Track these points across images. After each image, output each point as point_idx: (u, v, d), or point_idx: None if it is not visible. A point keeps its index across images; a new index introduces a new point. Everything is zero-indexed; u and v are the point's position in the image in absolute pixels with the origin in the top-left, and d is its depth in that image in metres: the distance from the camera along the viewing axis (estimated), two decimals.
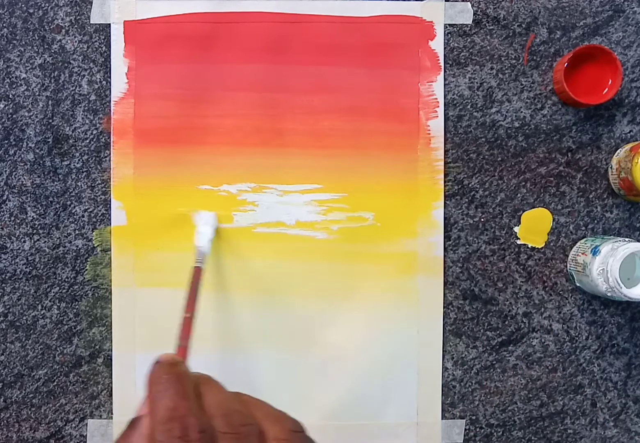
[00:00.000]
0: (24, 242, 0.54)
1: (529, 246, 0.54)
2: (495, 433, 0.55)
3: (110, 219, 0.54)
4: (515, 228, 0.54)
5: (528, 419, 0.55)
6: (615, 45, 0.54)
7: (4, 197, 0.54)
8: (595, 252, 0.49)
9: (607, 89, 0.53)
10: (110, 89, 0.54)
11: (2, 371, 0.55)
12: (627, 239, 0.49)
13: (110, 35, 0.54)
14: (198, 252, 0.48)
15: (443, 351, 0.54)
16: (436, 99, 0.54)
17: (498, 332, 0.55)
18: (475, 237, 0.54)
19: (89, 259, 0.54)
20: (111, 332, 0.54)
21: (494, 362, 0.55)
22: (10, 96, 0.54)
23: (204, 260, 0.47)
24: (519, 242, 0.54)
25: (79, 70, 0.54)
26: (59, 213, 0.54)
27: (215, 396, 0.28)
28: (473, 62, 0.54)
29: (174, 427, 0.25)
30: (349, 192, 0.54)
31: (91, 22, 0.54)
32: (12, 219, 0.54)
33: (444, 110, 0.54)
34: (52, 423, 0.55)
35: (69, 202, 0.54)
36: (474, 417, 0.54)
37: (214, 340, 0.54)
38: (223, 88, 0.54)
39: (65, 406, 0.55)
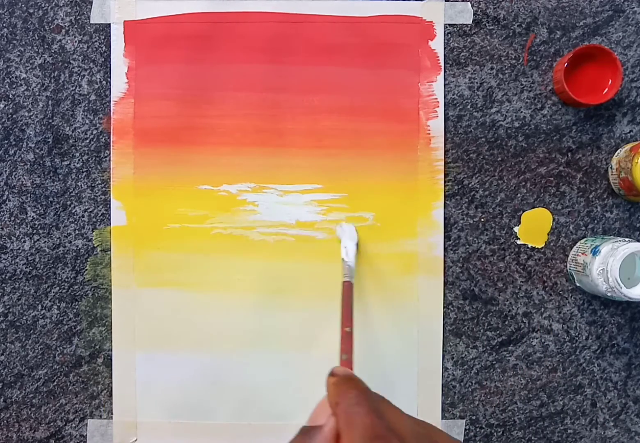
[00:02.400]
0: (24, 242, 0.54)
1: (529, 246, 0.54)
2: (495, 433, 0.55)
3: (110, 219, 0.54)
4: (515, 229, 0.54)
5: (528, 419, 0.55)
6: (615, 45, 0.54)
7: (4, 197, 0.54)
8: (595, 252, 0.49)
9: (607, 89, 0.53)
10: (110, 89, 0.54)
11: (2, 371, 0.55)
12: (627, 239, 0.49)
13: (110, 35, 0.54)
14: (346, 267, 0.48)
15: (443, 351, 0.54)
16: (436, 99, 0.54)
17: (498, 332, 0.55)
18: (475, 237, 0.54)
19: (89, 259, 0.54)
20: (111, 332, 0.54)
21: (494, 362, 0.55)
22: (10, 96, 0.54)
23: (352, 275, 0.46)
24: (519, 242, 0.54)
25: (79, 70, 0.54)
26: (59, 213, 0.54)
27: (398, 417, 0.28)
28: (473, 62, 0.54)
29: None
30: (349, 192, 0.54)
31: (91, 22, 0.54)
32: (12, 219, 0.54)
33: (444, 110, 0.54)
34: (52, 423, 0.55)
35: (69, 202, 0.54)
36: (474, 417, 0.54)
37: (214, 340, 0.54)
38: (223, 88, 0.54)
39: (65, 406, 0.55)
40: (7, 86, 0.54)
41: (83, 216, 0.54)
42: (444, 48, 0.54)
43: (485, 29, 0.54)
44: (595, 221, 0.54)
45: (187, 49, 0.54)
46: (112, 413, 0.54)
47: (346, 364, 0.36)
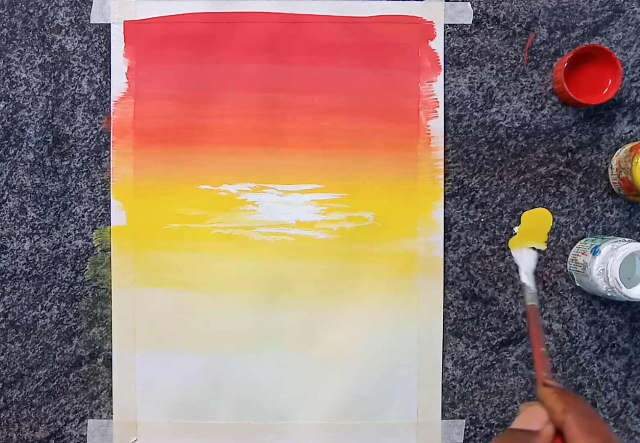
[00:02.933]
0: (24, 242, 0.54)
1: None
2: (495, 434, 0.55)
3: (110, 219, 0.54)
4: (515, 229, 0.54)
5: None
6: (615, 45, 0.54)
7: (4, 197, 0.54)
8: (595, 252, 0.49)
9: (607, 89, 0.53)
10: (110, 89, 0.54)
11: (2, 371, 0.55)
12: (627, 239, 0.49)
13: (110, 35, 0.54)
14: (528, 292, 0.48)
15: (443, 351, 0.54)
16: (436, 99, 0.54)
17: (498, 332, 0.55)
18: (475, 237, 0.54)
19: (89, 259, 0.54)
20: (111, 332, 0.54)
21: (494, 362, 0.55)
22: (10, 96, 0.54)
23: (535, 299, 0.47)
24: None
25: (79, 70, 0.54)
26: (59, 213, 0.54)
27: (608, 430, 0.31)
28: (473, 62, 0.54)
29: None
30: (349, 192, 0.54)
31: (91, 22, 0.54)
32: (12, 219, 0.54)
33: (444, 110, 0.54)
34: (52, 423, 0.55)
35: (69, 202, 0.54)
36: (474, 417, 0.54)
37: (214, 340, 0.54)
38: (223, 88, 0.54)
39: (65, 406, 0.55)
40: (7, 86, 0.54)
41: (83, 216, 0.54)
42: (444, 48, 0.54)
43: (485, 29, 0.54)
44: (595, 221, 0.54)
45: (187, 49, 0.54)
46: (112, 413, 0.54)
47: (549, 381, 0.38)
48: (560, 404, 0.31)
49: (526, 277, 0.48)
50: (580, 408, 0.31)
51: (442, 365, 0.54)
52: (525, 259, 0.51)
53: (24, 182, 0.54)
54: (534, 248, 0.54)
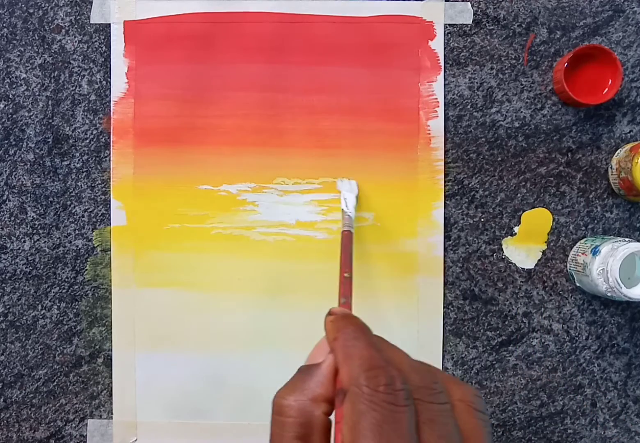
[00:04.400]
0: (24, 242, 0.54)
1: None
2: (495, 433, 0.55)
3: (110, 219, 0.54)
4: (515, 229, 0.54)
5: (528, 419, 0.55)
6: (615, 45, 0.54)
7: (4, 197, 0.54)
8: (595, 252, 0.49)
9: (607, 89, 0.53)
10: (110, 89, 0.54)
11: (2, 371, 0.55)
12: (627, 239, 0.49)
13: (110, 35, 0.54)
14: (346, 217, 0.49)
15: (443, 351, 0.54)
16: (436, 99, 0.54)
17: (498, 332, 0.55)
18: (475, 237, 0.54)
19: (89, 259, 0.54)
20: (111, 332, 0.54)
21: (494, 362, 0.55)
22: (10, 96, 0.54)
23: (352, 225, 0.47)
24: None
25: (79, 70, 0.54)
26: (59, 213, 0.54)
27: (397, 353, 0.28)
28: (473, 62, 0.54)
29: (379, 375, 0.24)
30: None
31: (91, 22, 0.54)
32: (12, 219, 0.54)
33: (444, 110, 0.54)
34: (52, 423, 0.55)
35: (69, 202, 0.54)
36: None
37: (214, 340, 0.54)
38: (223, 88, 0.54)
39: (65, 406, 0.55)
40: (7, 86, 0.54)
41: (83, 216, 0.54)
42: (444, 48, 0.54)
43: (485, 29, 0.54)
44: (595, 221, 0.54)
45: (187, 49, 0.54)
46: (112, 413, 0.54)
47: (346, 307, 0.36)
48: (332, 332, 0.29)
49: (345, 203, 0.49)
50: (348, 334, 0.28)
51: (442, 365, 0.54)
52: (346, 186, 0.52)
53: (24, 182, 0.54)
54: (343, 179, 0.54)
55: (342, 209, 0.51)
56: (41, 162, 0.54)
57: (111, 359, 0.54)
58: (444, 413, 0.25)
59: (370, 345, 0.27)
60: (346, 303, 0.37)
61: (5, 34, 0.54)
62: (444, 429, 0.24)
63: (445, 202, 0.54)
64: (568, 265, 0.54)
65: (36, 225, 0.54)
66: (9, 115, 0.54)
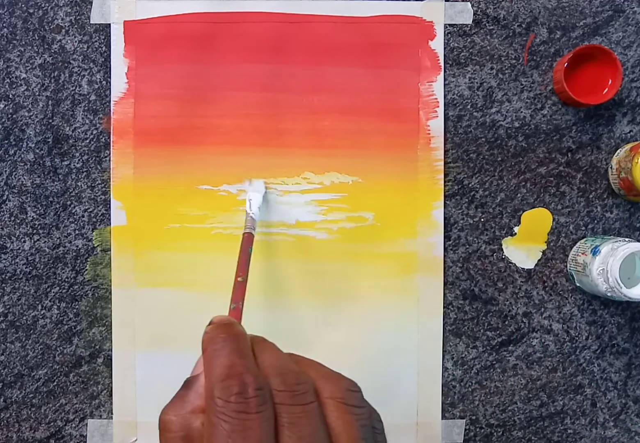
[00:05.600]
0: (24, 242, 0.54)
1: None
2: (495, 433, 0.55)
3: (110, 219, 0.54)
4: (515, 229, 0.54)
5: (528, 419, 0.55)
6: (615, 45, 0.54)
7: (4, 197, 0.54)
8: (595, 252, 0.49)
9: (607, 89, 0.53)
10: (110, 89, 0.54)
11: (2, 371, 0.55)
12: (627, 239, 0.49)
13: (110, 35, 0.54)
14: (248, 219, 0.48)
15: (443, 351, 0.54)
16: (436, 99, 0.54)
17: (498, 332, 0.55)
18: (475, 237, 0.54)
19: (89, 259, 0.54)
20: (111, 332, 0.54)
21: (494, 362, 0.55)
22: (10, 96, 0.54)
23: (254, 227, 0.47)
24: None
25: (79, 70, 0.54)
26: (59, 213, 0.54)
27: (270, 356, 0.28)
28: (473, 62, 0.54)
29: (232, 384, 0.25)
30: (349, 192, 0.54)
31: (91, 22, 0.54)
32: (12, 219, 0.54)
33: (444, 110, 0.54)
34: (52, 423, 0.55)
35: (69, 202, 0.54)
36: (474, 417, 0.54)
37: None
38: (223, 88, 0.54)
39: (65, 406, 0.55)
40: (7, 86, 0.54)
41: (83, 216, 0.54)
42: (444, 48, 0.54)
43: (485, 29, 0.54)
44: (595, 221, 0.54)
45: (187, 49, 0.54)
46: (112, 413, 0.54)
47: (234, 313, 0.36)
48: (204, 343, 0.29)
49: (249, 204, 0.50)
50: (216, 344, 0.28)
51: (442, 365, 0.54)
52: (253, 186, 0.52)
53: (24, 182, 0.54)
54: (252, 180, 0.53)
55: (246, 211, 0.50)
56: (41, 162, 0.54)
57: (111, 359, 0.54)
58: (307, 413, 0.25)
59: (233, 353, 0.27)
60: (236, 309, 0.36)
61: (5, 34, 0.54)
62: (306, 430, 0.24)
63: (445, 202, 0.54)
64: (568, 265, 0.54)
65: (36, 225, 0.54)
66: (9, 115, 0.54)
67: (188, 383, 0.28)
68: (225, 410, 0.24)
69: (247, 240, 0.45)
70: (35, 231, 0.54)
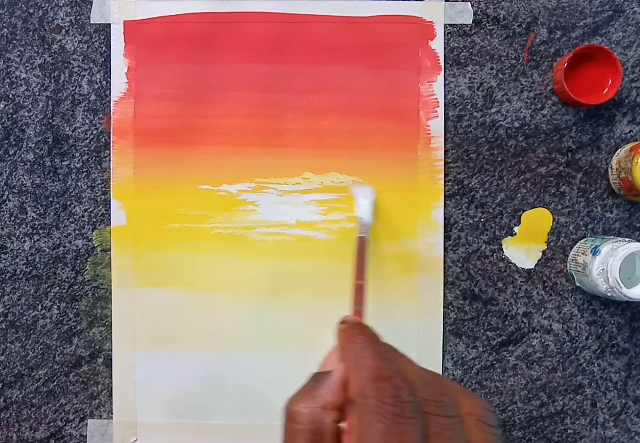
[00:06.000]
0: (24, 242, 0.54)
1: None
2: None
3: (110, 219, 0.54)
4: (515, 229, 0.54)
5: (528, 419, 0.55)
6: (615, 45, 0.54)
7: (4, 197, 0.54)
8: (595, 252, 0.49)
9: (607, 89, 0.53)
10: (110, 89, 0.54)
11: (2, 371, 0.55)
12: (627, 239, 0.49)
13: (110, 35, 0.54)
14: (361, 223, 0.48)
15: (443, 351, 0.54)
16: (436, 99, 0.54)
17: (498, 332, 0.55)
18: (475, 237, 0.54)
19: (89, 259, 0.54)
20: (111, 332, 0.54)
21: (494, 362, 0.55)
22: (10, 96, 0.54)
23: (367, 231, 0.47)
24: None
25: (79, 70, 0.54)
26: (59, 213, 0.54)
27: (407, 364, 0.28)
28: (473, 62, 0.54)
29: (385, 387, 0.24)
30: (349, 192, 0.54)
31: (91, 22, 0.54)
32: (12, 219, 0.54)
33: (444, 110, 0.54)
34: (52, 423, 0.55)
35: (69, 202, 0.54)
36: None
37: (214, 340, 0.54)
38: (223, 88, 0.54)
39: (65, 406, 0.55)
40: (7, 86, 0.54)
41: (83, 216, 0.54)
42: (444, 48, 0.54)
43: (485, 29, 0.54)
44: (595, 221, 0.54)
45: (187, 49, 0.54)
46: (112, 413, 0.54)
47: (358, 315, 0.37)
48: (343, 341, 0.29)
49: (361, 209, 0.49)
50: (358, 344, 0.28)
51: (442, 365, 0.54)
52: (362, 192, 0.51)
53: (24, 182, 0.54)
54: (359, 185, 0.53)
55: (358, 216, 0.50)
56: (41, 162, 0.54)
57: (111, 359, 0.54)
58: (453, 426, 0.25)
59: (379, 355, 0.27)
60: (359, 311, 0.37)
61: (5, 34, 0.54)
62: (452, 442, 0.24)
63: (445, 202, 0.54)
64: (568, 265, 0.54)
65: (36, 225, 0.54)
66: (9, 115, 0.54)
67: (317, 377, 0.28)
68: (380, 411, 0.24)
69: (362, 244, 0.45)
70: (35, 231, 0.54)
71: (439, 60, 0.54)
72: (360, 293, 0.39)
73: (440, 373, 0.54)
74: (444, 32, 0.54)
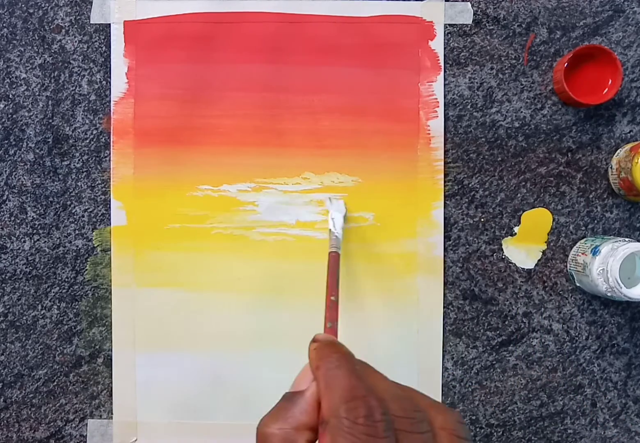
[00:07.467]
0: (24, 242, 0.54)
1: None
2: (495, 433, 0.55)
3: (110, 219, 0.54)
4: (515, 229, 0.54)
5: (528, 419, 0.55)
6: (615, 45, 0.54)
7: (4, 197, 0.54)
8: (595, 252, 0.49)
9: (607, 89, 0.53)
10: (110, 89, 0.54)
11: (2, 371, 0.55)
12: (627, 239, 0.49)
13: (110, 35, 0.54)
14: (333, 238, 0.48)
15: (443, 351, 0.54)
16: (436, 99, 0.54)
17: (498, 332, 0.55)
18: (475, 237, 0.54)
19: (89, 259, 0.54)
20: (111, 332, 0.54)
21: (494, 362, 0.55)
22: (10, 96, 0.54)
23: (338, 246, 0.47)
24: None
25: (79, 70, 0.54)
26: (59, 213, 0.54)
27: (380, 380, 0.28)
28: (473, 62, 0.54)
29: (358, 406, 0.25)
30: (349, 192, 0.54)
31: (91, 22, 0.54)
32: (12, 219, 0.54)
33: (444, 110, 0.54)
34: (52, 423, 0.55)
35: (69, 202, 0.54)
36: (474, 417, 0.54)
37: (214, 340, 0.54)
38: (223, 88, 0.54)
39: (65, 406, 0.55)
40: (7, 86, 0.54)
41: (83, 216, 0.54)
42: (444, 48, 0.54)
43: (485, 29, 0.54)
44: (595, 221, 0.54)
45: (187, 49, 0.54)
46: (112, 413, 0.54)
47: (331, 332, 0.36)
48: (315, 360, 0.29)
49: (332, 223, 0.49)
50: (331, 363, 0.28)
51: (442, 365, 0.54)
52: (334, 205, 0.52)
53: (24, 182, 0.54)
54: (332, 198, 0.53)
55: (330, 229, 0.50)
56: (41, 162, 0.54)
57: (111, 359, 0.54)
58: (425, 442, 0.25)
59: (352, 374, 0.27)
60: (332, 328, 0.36)
61: (5, 34, 0.54)
62: None
63: (445, 202, 0.54)
64: (568, 265, 0.54)
65: (36, 225, 0.54)
66: (9, 115, 0.54)
67: (290, 398, 0.28)
68: (352, 431, 0.24)
69: (334, 259, 0.45)
70: (35, 231, 0.54)
71: (439, 60, 0.54)
72: (334, 310, 0.38)
73: (440, 373, 0.54)
74: (444, 32, 0.54)
